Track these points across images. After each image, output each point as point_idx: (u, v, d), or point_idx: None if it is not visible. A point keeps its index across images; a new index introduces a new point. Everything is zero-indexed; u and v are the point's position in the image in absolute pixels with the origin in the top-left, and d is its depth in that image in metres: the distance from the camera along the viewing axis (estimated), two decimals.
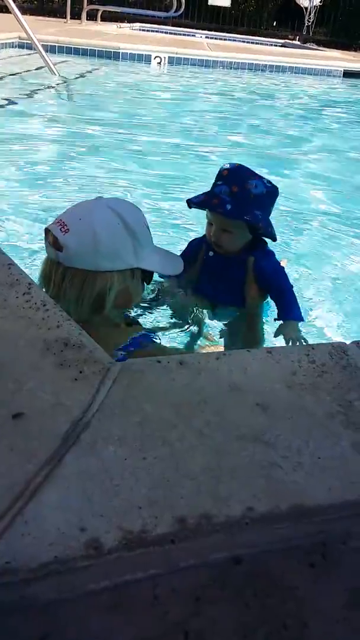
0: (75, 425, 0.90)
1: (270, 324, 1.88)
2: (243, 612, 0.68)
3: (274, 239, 1.82)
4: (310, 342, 1.69)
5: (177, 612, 0.67)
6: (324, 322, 2.27)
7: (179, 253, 1.86)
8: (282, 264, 1.89)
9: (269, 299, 1.88)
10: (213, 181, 1.80)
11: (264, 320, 1.89)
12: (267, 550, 0.75)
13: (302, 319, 1.79)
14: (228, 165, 1.80)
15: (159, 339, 1.72)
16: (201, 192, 1.80)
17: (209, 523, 0.77)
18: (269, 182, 1.78)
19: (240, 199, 1.73)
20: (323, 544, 0.76)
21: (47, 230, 1.41)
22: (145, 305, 1.96)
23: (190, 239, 2.05)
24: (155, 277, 1.98)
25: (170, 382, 1.03)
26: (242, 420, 0.95)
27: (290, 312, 1.79)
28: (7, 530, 0.73)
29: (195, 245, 1.98)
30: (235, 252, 1.84)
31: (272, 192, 1.78)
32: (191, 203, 1.82)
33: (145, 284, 1.56)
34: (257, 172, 1.80)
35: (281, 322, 1.78)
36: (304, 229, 3.44)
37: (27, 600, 0.67)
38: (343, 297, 2.58)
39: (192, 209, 1.86)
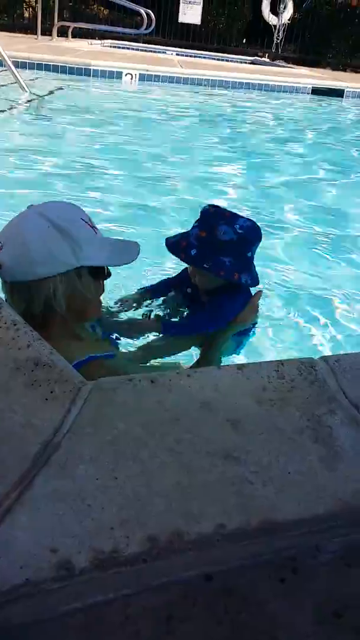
0: (46, 446, 0.90)
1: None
2: (215, 628, 0.69)
3: (246, 285, 1.81)
4: (281, 357, 1.72)
5: (149, 631, 0.67)
6: (294, 338, 2.30)
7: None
8: (257, 294, 1.88)
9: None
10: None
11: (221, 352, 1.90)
12: (238, 566, 0.76)
13: (168, 332, 1.82)
14: (206, 208, 1.78)
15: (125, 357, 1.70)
16: (179, 232, 1.81)
17: (181, 541, 0.77)
18: (244, 226, 1.74)
19: (206, 245, 1.71)
20: (293, 559, 0.77)
21: None
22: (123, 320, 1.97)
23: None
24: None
25: (141, 400, 1.03)
26: (213, 436, 0.96)
27: (175, 328, 1.83)
28: None
29: (184, 274, 1.99)
30: (211, 290, 1.84)
31: (244, 238, 1.74)
32: (166, 244, 1.80)
33: (103, 282, 1.54)
34: (237, 212, 1.77)
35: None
36: (275, 241, 3.48)
37: None
38: (313, 311, 2.62)
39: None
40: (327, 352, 2.21)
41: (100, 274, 1.50)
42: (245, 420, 1.01)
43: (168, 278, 2.13)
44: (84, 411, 0.98)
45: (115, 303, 1.99)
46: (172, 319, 1.94)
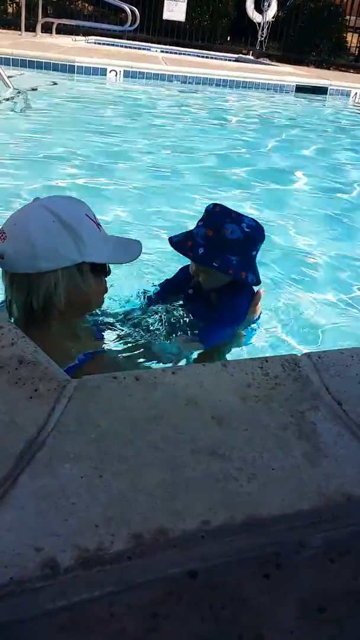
0: (31, 444, 0.89)
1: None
2: (199, 625, 0.69)
3: (252, 284, 1.81)
4: (266, 354, 1.72)
5: (133, 628, 0.68)
6: (279, 335, 2.31)
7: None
8: (259, 293, 1.89)
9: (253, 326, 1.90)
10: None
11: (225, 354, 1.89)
12: (223, 563, 0.76)
13: (206, 346, 1.80)
14: (211, 207, 1.78)
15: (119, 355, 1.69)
16: (183, 231, 1.80)
17: (165, 538, 0.78)
18: (250, 225, 1.75)
19: (214, 244, 1.71)
20: (277, 555, 0.78)
21: None
22: (123, 321, 1.94)
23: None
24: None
25: (126, 397, 1.03)
26: (197, 433, 0.97)
27: (204, 336, 1.80)
28: None
29: (182, 274, 1.99)
30: (215, 289, 1.84)
31: (251, 237, 1.75)
32: (171, 242, 1.79)
33: (104, 279, 1.54)
34: (242, 212, 1.78)
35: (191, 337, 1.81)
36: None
37: None
38: (298, 308, 2.63)
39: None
40: (311, 349, 2.22)
41: (101, 270, 1.50)
42: (229, 417, 1.01)
43: (167, 280, 2.10)
44: (69, 409, 0.98)
45: (124, 322, 1.95)
46: (196, 329, 1.90)
